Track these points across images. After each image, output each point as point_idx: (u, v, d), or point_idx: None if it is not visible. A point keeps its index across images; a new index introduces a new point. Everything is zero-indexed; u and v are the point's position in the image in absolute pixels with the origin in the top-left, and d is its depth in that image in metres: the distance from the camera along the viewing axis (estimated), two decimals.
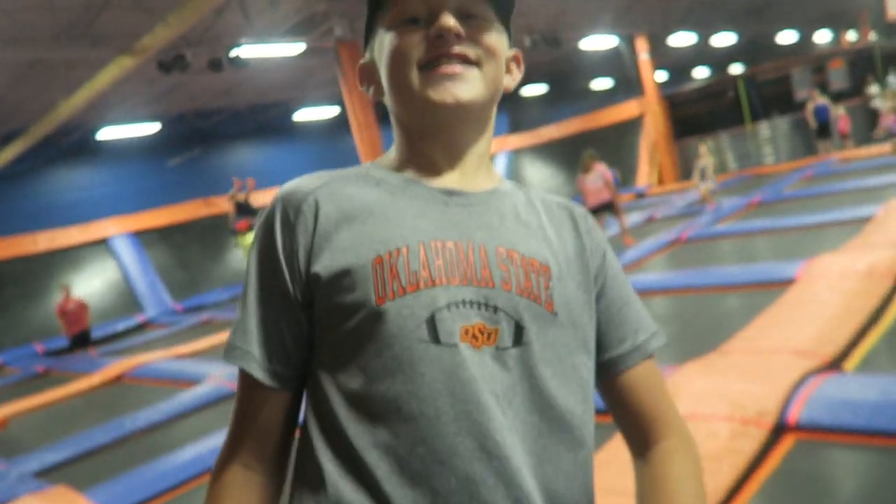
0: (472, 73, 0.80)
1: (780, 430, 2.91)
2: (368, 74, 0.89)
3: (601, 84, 26.38)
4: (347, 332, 0.75)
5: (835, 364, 3.51)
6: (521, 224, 0.83)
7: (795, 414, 2.93)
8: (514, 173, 21.60)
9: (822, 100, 14.57)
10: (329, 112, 18.14)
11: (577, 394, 0.80)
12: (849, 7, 21.58)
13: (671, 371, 3.68)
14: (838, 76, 16.43)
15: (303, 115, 18.41)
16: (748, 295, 5.39)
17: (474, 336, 0.74)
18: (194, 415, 5.66)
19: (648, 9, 16.40)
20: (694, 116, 18.31)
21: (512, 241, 0.80)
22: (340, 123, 15.54)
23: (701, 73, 30.32)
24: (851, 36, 25.28)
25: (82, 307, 11.12)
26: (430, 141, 0.84)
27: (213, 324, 11.28)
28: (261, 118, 17.81)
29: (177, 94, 13.79)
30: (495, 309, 0.76)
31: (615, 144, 18.61)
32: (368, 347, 0.74)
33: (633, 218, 11.57)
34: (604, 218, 8.67)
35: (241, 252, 11.35)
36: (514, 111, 24.94)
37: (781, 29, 24.57)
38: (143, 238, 15.56)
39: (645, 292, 6.25)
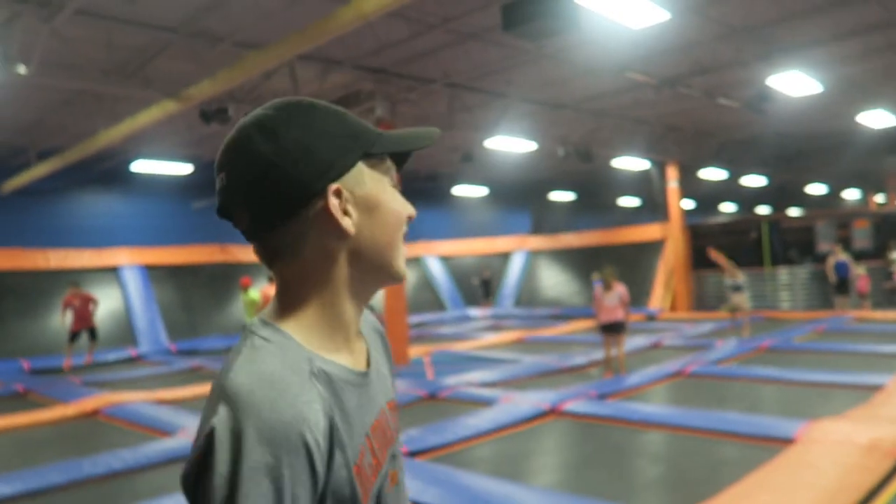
0: None
1: None
2: (343, 203, 0.83)
3: (628, 202, 26.77)
4: None
5: None
6: (382, 369, 0.94)
7: None
8: (529, 272, 21.64)
9: (843, 256, 14.60)
10: None
11: None
12: (879, 169, 21.94)
13: None
14: (862, 235, 16.52)
15: None
16: (744, 447, 5.20)
17: (392, 479, 0.86)
18: (156, 469, 5.47)
19: (682, 140, 16.80)
20: (715, 249, 18.37)
21: (386, 393, 0.91)
22: None
23: (728, 208, 30.72)
24: (880, 198, 25.61)
25: (87, 300, 11.40)
26: (357, 308, 0.87)
27: (203, 371, 11.12)
28: None
29: (215, 141, 14.17)
30: (395, 457, 0.89)
31: (633, 263, 18.66)
32: None
33: (639, 341, 11.43)
34: (611, 337, 8.58)
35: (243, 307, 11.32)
36: (538, 213, 25.26)
37: (811, 180, 25.00)
38: (152, 273, 15.62)
39: (641, 423, 6.09)
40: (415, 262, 21.12)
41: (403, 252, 0.88)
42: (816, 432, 4.97)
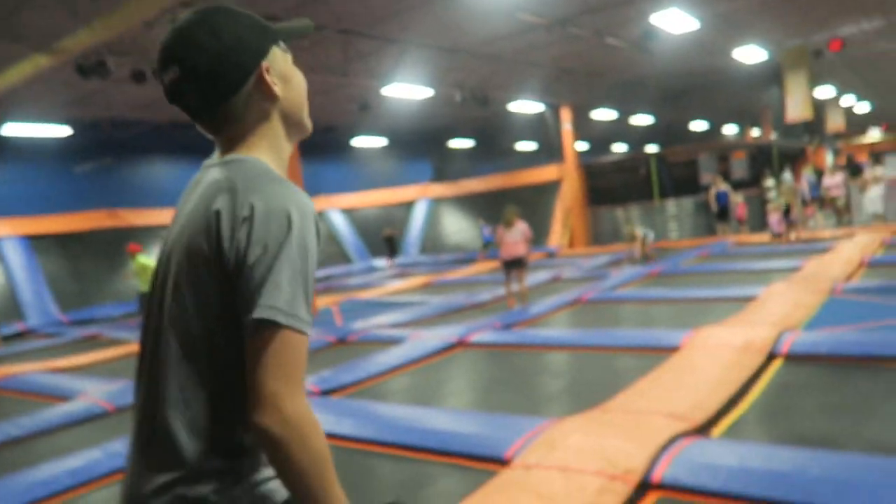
0: None
1: (644, 487, 3.01)
2: (265, 77, 1.14)
3: (525, 146, 27.29)
4: None
5: (703, 429, 3.69)
6: None
7: (660, 473, 3.04)
8: (432, 220, 21.83)
9: (723, 186, 15.61)
10: None
11: None
12: (754, 106, 23.38)
13: (554, 423, 3.76)
14: (740, 166, 17.69)
15: None
16: (637, 357, 5.60)
17: None
18: (59, 432, 5.28)
19: (574, 82, 17.22)
20: (608, 187, 19.20)
21: None
22: None
23: (619, 148, 31.91)
24: (755, 131, 27.33)
25: None
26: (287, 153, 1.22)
27: (100, 339, 10.66)
28: (183, 137, 17.34)
29: (94, 100, 13.27)
30: None
31: (532, 204, 19.18)
32: None
33: (540, 276, 11.89)
34: (513, 272, 8.86)
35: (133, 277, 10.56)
36: (438, 161, 25.37)
37: (694, 118, 26.33)
38: (36, 243, 14.65)
39: (543, 346, 6.41)
40: (317, 216, 20.80)
41: (306, 110, 1.22)
42: (698, 339, 5.43)
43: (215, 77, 1.08)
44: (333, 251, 20.40)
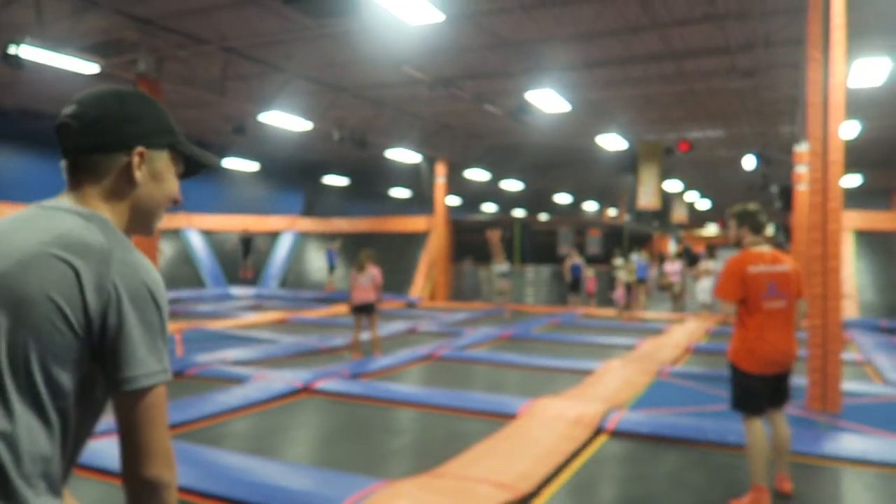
0: None
1: None
2: (141, 163, 1.20)
3: (399, 193, 27.64)
4: None
5: (526, 499, 3.82)
6: None
7: None
8: (297, 254, 21.38)
9: (578, 259, 16.61)
10: None
11: None
12: (613, 188, 25.28)
13: (386, 485, 3.74)
14: (594, 242, 18.95)
15: None
16: (478, 421, 5.73)
17: None
18: None
19: (453, 139, 17.83)
20: (474, 244, 19.81)
21: None
22: None
23: (489, 208, 33.15)
24: (612, 211, 29.46)
25: None
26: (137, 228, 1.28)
27: None
28: (30, 126, 15.94)
29: None
30: None
31: (399, 251, 19.37)
32: None
33: (397, 325, 11.94)
34: (362, 319, 8.83)
35: None
36: (311, 194, 25.05)
37: (559, 190, 27.99)
38: None
39: (390, 401, 6.39)
40: (174, 234, 19.77)
41: (161, 219, 1.28)
42: (536, 408, 5.66)
43: (97, 129, 1.16)
44: (186, 273, 19.38)
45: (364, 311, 8.74)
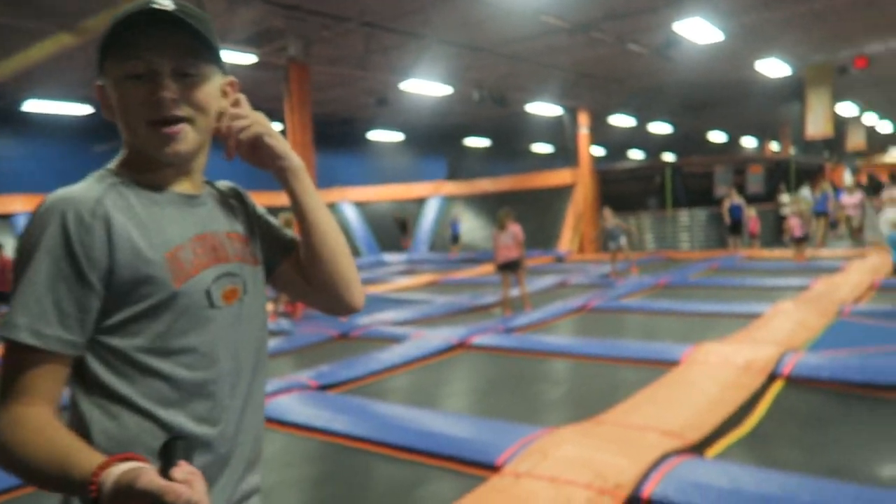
0: (187, 130, 1.05)
1: (632, 502, 3.00)
2: (104, 99, 1.08)
3: (541, 148, 27.22)
4: (146, 309, 1.00)
5: (697, 448, 3.66)
6: (228, 211, 1.18)
7: (649, 490, 3.03)
8: (444, 218, 21.83)
9: (737, 199, 15.50)
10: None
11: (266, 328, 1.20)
12: (774, 120, 23.19)
13: (548, 432, 3.75)
14: (756, 180, 17.56)
15: None
16: (637, 370, 5.57)
17: (227, 297, 1.09)
18: None
19: (594, 87, 17.15)
20: (622, 194, 19.11)
21: (229, 226, 1.15)
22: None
23: (636, 155, 31.77)
24: (774, 146, 27.10)
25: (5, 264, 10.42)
26: (161, 165, 1.08)
27: None
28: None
29: None
30: (235, 275, 1.11)
31: (545, 207, 19.16)
32: (166, 317, 1.01)
33: (547, 280, 11.86)
34: (509, 276, 8.85)
35: None
36: (453, 158, 25.36)
37: (713, 128, 26.16)
38: None
39: (545, 353, 6.39)
40: (329, 207, 20.88)
41: (161, 137, 1.03)
42: (699, 354, 5.39)
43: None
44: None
45: (510, 268, 8.76)
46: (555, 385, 5.60)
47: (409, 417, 4.41)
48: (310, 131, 10.50)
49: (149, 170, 1.07)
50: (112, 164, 1.08)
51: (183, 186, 1.11)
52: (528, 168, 23.28)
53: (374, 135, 22.27)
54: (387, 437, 4.09)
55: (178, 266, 1.02)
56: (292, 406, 4.70)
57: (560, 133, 20.48)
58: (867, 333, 6.25)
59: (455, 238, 19.36)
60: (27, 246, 0.96)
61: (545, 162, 27.10)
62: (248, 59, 10.28)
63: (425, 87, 13.46)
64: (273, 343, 7.26)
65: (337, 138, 20.63)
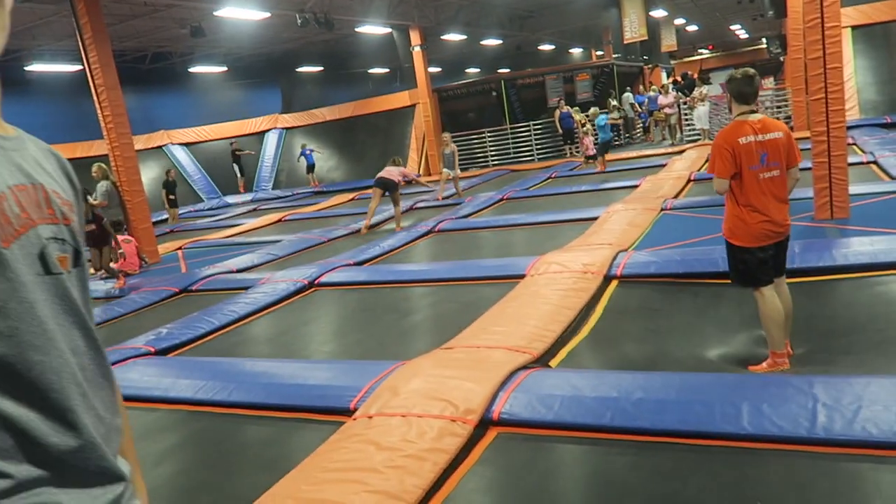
0: None
1: (484, 425, 3.06)
2: None
3: (377, 71, 26.59)
4: None
5: (542, 360, 3.81)
6: (51, 168, 0.96)
7: (499, 410, 3.10)
8: (285, 152, 20.95)
9: (566, 108, 16.09)
10: (70, 69, 16.01)
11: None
12: (597, 27, 24.08)
13: (398, 367, 3.72)
14: (584, 87, 18.29)
15: (38, 69, 16.07)
16: (486, 288, 5.68)
17: (61, 262, 0.89)
18: None
19: (421, 4, 16.79)
20: (462, 111, 19.23)
21: (55, 184, 0.94)
22: (82, 82, 13.85)
23: (474, 72, 31.96)
24: (600, 54, 28.27)
25: None
26: None
27: None
28: None
29: None
30: (64, 241, 0.91)
31: (386, 131, 18.90)
32: None
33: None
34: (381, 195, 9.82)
35: None
36: (288, 89, 24.17)
37: (542, 41, 26.74)
38: None
39: (396, 282, 6.35)
40: (156, 152, 19.33)
41: None
42: (542, 266, 5.59)
43: None
44: (180, 191, 19.11)
45: (386, 187, 9.63)
46: (410, 314, 5.60)
47: (259, 372, 4.21)
48: (113, 70, 9.42)
49: None
50: None
51: None
52: (367, 93, 22.71)
53: (198, 70, 20.59)
54: (238, 398, 3.89)
55: (4, 220, 0.80)
56: (130, 377, 4.34)
57: (394, 54, 20.04)
58: (685, 225, 6.78)
59: (310, 167, 18.65)
60: None
61: (383, 85, 26.56)
62: None
63: (242, 13, 12.48)
64: (102, 310, 6.65)
65: (154, 76, 18.85)
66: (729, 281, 3.85)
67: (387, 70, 26.42)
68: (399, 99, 19.11)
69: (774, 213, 3.53)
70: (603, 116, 13.49)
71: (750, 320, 3.97)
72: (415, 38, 17.56)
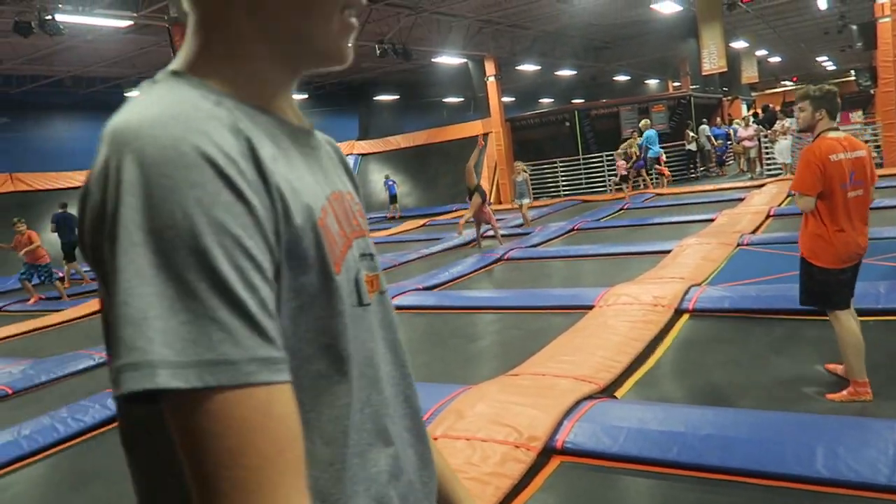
0: None
1: (548, 453, 3.07)
2: None
3: (451, 100, 27.03)
4: (294, 309, 0.60)
5: (609, 390, 3.78)
6: (337, 165, 0.79)
7: (563, 438, 3.10)
8: (361, 177, 21.48)
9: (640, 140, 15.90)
10: None
11: None
12: (674, 58, 23.78)
13: (464, 391, 3.77)
14: (660, 119, 18.05)
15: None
16: (554, 317, 5.68)
17: (370, 284, 0.72)
18: None
19: (497, 34, 17.07)
20: (534, 141, 19.28)
21: (347, 186, 0.77)
22: None
23: (546, 102, 32.04)
24: (676, 85, 27.87)
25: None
26: (287, 77, 0.70)
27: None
28: (86, 92, 16.32)
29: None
30: (372, 256, 0.75)
31: (458, 159, 19.08)
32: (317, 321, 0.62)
33: (467, 232, 11.91)
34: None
35: None
36: (365, 116, 24.87)
37: (618, 71, 26.62)
38: None
39: (464, 308, 6.42)
40: None
41: (349, 28, 0.69)
42: (611, 297, 5.54)
43: None
44: None
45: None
46: (476, 339, 5.65)
47: None
48: None
49: (258, 84, 0.67)
50: (183, 68, 0.65)
51: (289, 116, 0.71)
52: (441, 121, 23.10)
53: None
54: None
55: (331, 241, 0.64)
56: None
57: (468, 83, 20.37)
58: (764, 261, 6.59)
59: (393, 198, 19.03)
60: (158, 215, 0.51)
61: (457, 113, 26.96)
62: (122, 21, 9.55)
63: None
64: None
65: None
66: (808, 317, 3.74)
67: (461, 99, 26.83)
68: (472, 127, 19.34)
69: (859, 234, 3.42)
70: (652, 131, 13.52)
71: (829, 356, 3.83)
72: (489, 68, 17.82)
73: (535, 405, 3.40)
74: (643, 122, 15.29)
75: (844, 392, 3.46)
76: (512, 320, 5.90)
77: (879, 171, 3.58)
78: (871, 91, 21.03)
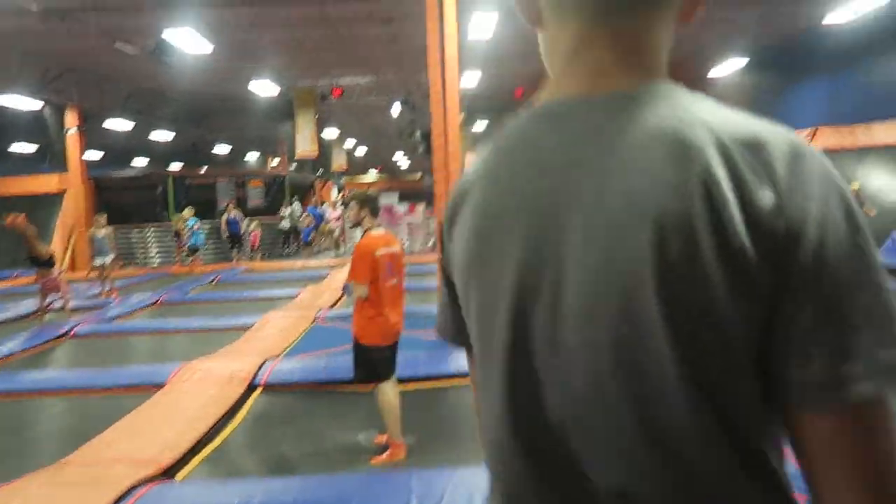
0: None
1: None
2: None
3: (22, 148, 23.56)
4: None
5: (169, 472, 3.67)
6: None
7: None
8: None
9: (234, 212, 16.15)
10: None
11: None
12: (273, 137, 24.93)
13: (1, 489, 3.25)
14: (256, 194, 18.62)
15: None
16: (118, 398, 5.27)
17: None
18: None
19: (84, 83, 15.64)
20: (124, 204, 17.92)
21: None
22: None
23: (141, 163, 30.18)
24: (275, 161, 29.14)
25: None
26: None
27: None
28: None
29: None
30: None
31: (28, 218, 16.59)
32: None
33: (29, 304, 10.33)
34: None
35: None
36: None
37: (218, 140, 26.69)
38: None
39: (12, 394, 5.52)
40: None
41: None
42: (186, 373, 5.43)
43: None
44: None
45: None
46: (20, 431, 4.89)
47: None
48: None
49: None
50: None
51: None
52: (5, 171, 19.85)
53: None
54: None
55: None
56: None
57: (45, 131, 18.08)
58: (334, 335, 7.22)
59: None
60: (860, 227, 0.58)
61: (29, 164, 23.52)
62: None
63: None
64: None
65: None
66: (361, 388, 4.23)
67: (34, 148, 23.55)
68: (46, 182, 17.08)
69: (396, 316, 4.05)
70: (193, 219, 14.35)
71: (377, 423, 4.37)
72: (71, 118, 16.12)
73: (83, 496, 3.12)
74: (186, 210, 15.71)
75: (385, 455, 4.00)
76: (71, 404, 5.30)
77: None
78: (431, 189, 25.13)
